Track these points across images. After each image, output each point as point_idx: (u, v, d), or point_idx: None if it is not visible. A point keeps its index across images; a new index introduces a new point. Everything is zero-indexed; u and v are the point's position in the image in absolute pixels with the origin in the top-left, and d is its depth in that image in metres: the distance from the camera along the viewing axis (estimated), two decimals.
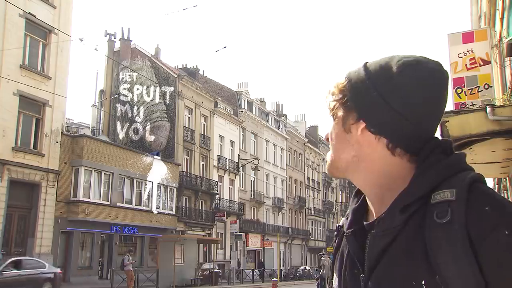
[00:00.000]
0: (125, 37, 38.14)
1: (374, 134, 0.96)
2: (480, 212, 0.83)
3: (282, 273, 44.42)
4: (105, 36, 37.55)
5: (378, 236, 0.94)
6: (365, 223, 1.00)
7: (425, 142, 0.95)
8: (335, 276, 1.10)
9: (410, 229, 0.89)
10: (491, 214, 0.82)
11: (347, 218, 1.08)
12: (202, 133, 39.32)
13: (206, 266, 31.91)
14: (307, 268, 48.49)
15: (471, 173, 0.89)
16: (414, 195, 0.90)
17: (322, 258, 21.56)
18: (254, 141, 48.57)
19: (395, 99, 0.93)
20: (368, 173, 0.99)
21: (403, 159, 0.96)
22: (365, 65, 1.01)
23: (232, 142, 43.98)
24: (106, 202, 27.28)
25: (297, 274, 45.49)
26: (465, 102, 9.16)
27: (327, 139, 1.07)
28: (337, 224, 1.16)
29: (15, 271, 17.95)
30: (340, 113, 1.01)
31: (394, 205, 0.92)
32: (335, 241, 1.14)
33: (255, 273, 38.47)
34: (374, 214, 1.00)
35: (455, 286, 0.81)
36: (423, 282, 0.84)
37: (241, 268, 37.94)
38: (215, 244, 33.98)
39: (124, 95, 37.62)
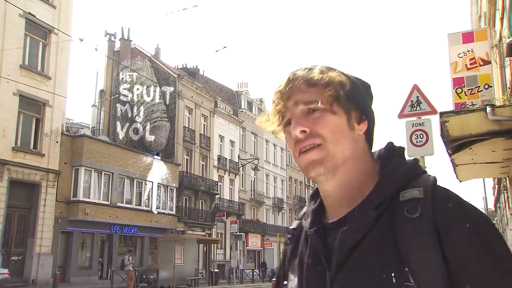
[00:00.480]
0: (125, 37, 38.14)
1: (368, 136, 1.05)
2: (445, 208, 0.90)
3: None
4: (105, 36, 37.57)
5: (350, 233, 0.96)
6: (329, 221, 1.03)
7: (386, 146, 1.06)
8: (291, 276, 1.10)
9: (381, 226, 0.94)
10: (454, 210, 0.90)
11: (305, 219, 1.10)
12: (202, 133, 39.32)
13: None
14: None
15: (431, 176, 0.98)
16: (387, 193, 0.96)
17: None
18: (254, 141, 48.57)
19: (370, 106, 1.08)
20: (354, 172, 1.01)
21: (373, 159, 1.05)
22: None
23: (232, 142, 43.98)
24: (106, 202, 27.28)
25: None
26: (465, 102, 9.16)
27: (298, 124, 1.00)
28: (291, 227, 1.18)
29: None
30: (338, 107, 1.00)
31: (367, 203, 0.97)
32: (289, 244, 1.16)
33: (255, 273, 38.46)
34: (334, 214, 1.03)
35: (423, 277, 0.86)
36: (392, 274, 0.88)
37: (241, 268, 37.94)
38: (215, 244, 33.96)
39: (124, 95, 37.62)
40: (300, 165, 1.02)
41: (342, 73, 1.04)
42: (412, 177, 0.98)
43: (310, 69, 1.03)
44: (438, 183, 0.96)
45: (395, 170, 0.99)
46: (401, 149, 1.06)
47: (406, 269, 0.87)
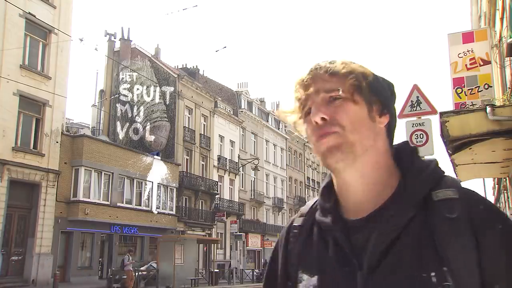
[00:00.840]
0: (125, 37, 38.15)
1: (389, 130, 1.05)
2: (478, 210, 0.93)
3: None
4: (105, 36, 37.58)
5: (387, 231, 0.95)
6: (352, 218, 1.00)
7: (404, 145, 1.07)
8: (304, 276, 1.04)
9: (415, 225, 0.94)
10: (487, 212, 0.93)
11: (320, 215, 1.07)
12: (202, 133, 39.32)
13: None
14: None
15: (455, 177, 1.01)
16: (423, 192, 0.96)
17: None
18: (254, 141, 48.58)
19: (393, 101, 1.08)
20: (376, 165, 1.01)
21: (392, 158, 1.04)
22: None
23: (232, 142, 43.98)
24: (106, 202, 27.29)
25: None
26: (465, 102, 9.16)
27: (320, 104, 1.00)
28: (295, 223, 1.14)
29: None
30: (359, 97, 1.00)
31: (404, 201, 0.96)
32: (294, 241, 1.11)
33: (255, 273, 38.42)
34: (356, 210, 1.00)
35: (462, 276, 0.87)
36: (432, 274, 0.89)
37: (241, 267, 37.93)
38: (215, 244, 33.96)
39: (124, 95, 37.63)
40: (319, 151, 1.00)
41: (364, 67, 1.05)
42: (438, 177, 0.99)
43: (332, 61, 1.04)
44: None
45: (424, 169, 1.00)
46: (417, 149, 1.07)
47: (445, 268, 0.88)
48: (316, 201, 1.15)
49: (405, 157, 1.03)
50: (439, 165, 1.02)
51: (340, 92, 0.99)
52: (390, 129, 1.05)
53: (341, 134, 0.97)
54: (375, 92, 1.02)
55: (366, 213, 0.99)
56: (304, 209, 1.17)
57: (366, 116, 1.00)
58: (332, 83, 1.00)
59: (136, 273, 23.21)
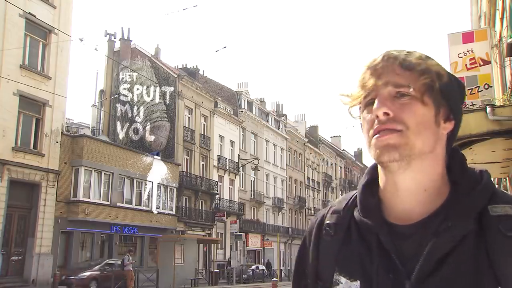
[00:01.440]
0: (125, 37, 38.14)
1: (451, 137, 0.99)
2: None
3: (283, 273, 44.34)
4: (105, 36, 37.57)
5: (443, 242, 0.90)
6: (399, 224, 0.95)
7: (454, 152, 1.01)
8: (341, 279, 0.99)
9: (470, 239, 0.89)
10: None
11: (359, 214, 1.01)
12: (202, 133, 39.31)
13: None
14: None
15: (506, 192, 0.97)
16: (481, 204, 0.91)
17: None
18: (254, 141, 48.56)
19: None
20: (431, 171, 0.95)
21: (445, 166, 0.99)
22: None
23: (232, 142, 43.97)
24: (106, 202, 27.28)
25: None
26: (465, 102, 9.15)
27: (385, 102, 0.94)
28: (328, 221, 1.06)
29: None
30: (429, 99, 0.94)
31: (466, 211, 0.91)
32: (330, 240, 1.04)
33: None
34: (404, 214, 0.96)
35: None
36: None
37: (241, 266, 37.90)
38: (215, 244, 33.97)
39: (124, 95, 37.62)
40: (373, 147, 0.94)
41: (440, 65, 0.98)
42: (493, 190, 0.94)
43: (408, 52, 0.96)
44: None
45: (479, 181, 0.94)
46: (464, 157, 1.01)
47: (499, 287, 0.85)
48: (352, 198, 1.07)
49: (457, 165, 0.97)
50: (490, 177, 0.98)
51: (411, 90, 0.93)
52: (452, 136, 0.99)
53: (404, 134, 0.92)
54: (446, 96, 0.96)
55: (413, 220, 0.94)
56: (339, 205, 1.08)
57: (432, 119, 0.94)
58: (403, 77, 0.94)
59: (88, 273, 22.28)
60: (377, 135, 0.94)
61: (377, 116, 0.93)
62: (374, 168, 1.04)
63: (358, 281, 0.96)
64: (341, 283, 0.99)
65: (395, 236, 0.94)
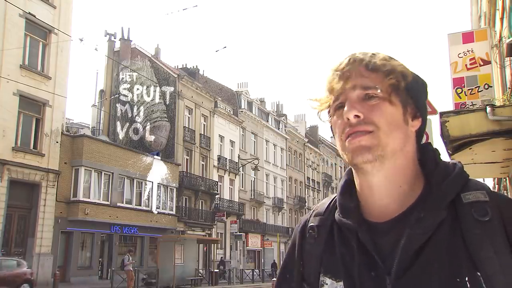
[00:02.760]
0: (125, 37, 38.15)
1: (419, 134, 1.01)
2: (509, 211, 0.91)
3: None
4: (105, 36, 37.59)
5: (418, 235, 0.91)
6: (375, 221, 0.97)
7: (426, 147, 1.03)
8: (327, 280, 1.00)
9: (445, 228, 0.91)
10: None
11: (339, 215, 1.02)
12: (202, 133, 39.32)
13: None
14: None
15: (479, 181, 0.98)
16: (453, 194, 0.94)
17: None
18: (254, 141, 48.57)
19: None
20: (403, 168, 0.97)
21: (417, 161, 1.01)
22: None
23: (232, 142, 43.98)
24: (106, 202, 27.29)
25: None
26: (465, 102, 9.15)
27: (355, 104, 0.96)
28: (311, 224, 1.07)
29: None
30: (396, 98, 0.96)
31: (435, 203, 0.93)
32: (313, 242, 1.05)
33: (255, 273, 38.43)
34: (380, 212, 0.97)
35: (498, 279, 0.85)
36: (466, 279, 0.86)
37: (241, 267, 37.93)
38: (215, 244, 33.96)
39: (124, 95, 37.63)
40: (347, 149, 0.96)
41: (404, 65, 1.00)
42: (465, 180, 0.96)
43: (373, 54, 0.98)
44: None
45: (450, 171, 0.97)
46: (438, 151, 1.03)
47: (478, 273, 0.86)
48: (333, 200, 1.09)
49: (429, 159, 1.00)
50: (464, 168, 0.99)
51: (379, 91, 0.95)
52: (419, 133, 1.02)
53: (376, 134, 0.94)
54: (412, 94, 0.99)
55: (390, 216, 0.96)
56: (321, 208, 1.10)
57: (401, 118, 0.96)
58: (370, 79, 0.95)
59: None
60: (349, 138, 0.95)
61: (348, 119, 0.95)
62: (351, 170, 1.06)
63: (342, 281, 0.98)
64: (327, 284, 1.00)
65: (374, 234, 0.96)
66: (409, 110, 0.98)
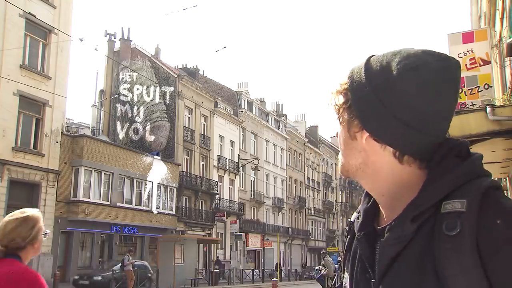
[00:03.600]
0: (125, 37, 38.14)
1: (379, 143, 0.93)
2: (491, 225, 0.80)
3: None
4: (105, 36, 37.58)
5: (388, 244, 0.91)
6: (378, 227, 0.98)
7: (438, 146, 0.92)
8: (346, 274, 1.07)
9: (421, 239, 0.87)
10: (503, 227, 0.80)
11: (358, 218, 1.04)
12: (202, 133, 39.31)
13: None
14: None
15: (486, 181, 0.86)
16: (425, 204, 0.87)
17: (326, 258, 21.42)
18: (254, 141, 48.56)
19: (398, 107, 0.88)
20: (375, 181, 0.96)
21: (412, 166, 0.93)
22: (367, 64, 0.94)
23: (232, 142, 43.97)
24: (106, 202, 27.28)
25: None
26: (465, 102, 9.15)
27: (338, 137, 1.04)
28: (349, 220, 1.11)
29: None
30: (345, 116, 0.96)
31: (404, 214, 0.89)
32: (347, 237, 1.10)
33: (255, 273, 38.41)
34: (385, 218, 0.97)
35: None
36: None
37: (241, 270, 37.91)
38: (215, 244, 33.96)
39: (124, 95, 37.62)
40: None
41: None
42: (460, 183, 0.86)
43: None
44: (493, 190, 0.85)
45: (441, 175, 0.88)
46: (462, 145, 0.93)
47: None
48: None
49: (436, 161, 0.91)
50: (476, 165, 0.89)
51: (337, 117, 1.00)
52: (391, 139, 0.92)
53: (341, 157, 1.02)
54: (355, 106, 0.94)
55: (385, 224, 0.96)
56: (361, 205, 1.11)
57: (347, 135, 0.97)
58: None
59: None
60: None
61: None
62: None
63: (349, 279, 1.05)
64: (346, 277, 1.08)
65: (373, 239, 0.98)
66: (355, 123, 0.94)
